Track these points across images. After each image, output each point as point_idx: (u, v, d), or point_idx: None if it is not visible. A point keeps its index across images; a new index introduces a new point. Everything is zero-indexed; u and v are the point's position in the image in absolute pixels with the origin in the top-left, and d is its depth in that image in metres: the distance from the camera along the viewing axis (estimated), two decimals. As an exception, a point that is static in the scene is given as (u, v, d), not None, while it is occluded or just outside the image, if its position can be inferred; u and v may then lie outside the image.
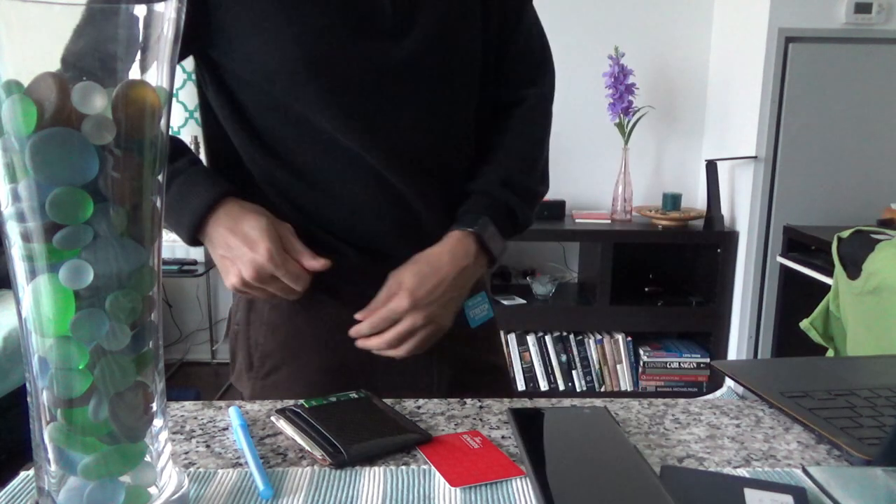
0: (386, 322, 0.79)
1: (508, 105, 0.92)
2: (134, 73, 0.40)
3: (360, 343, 0.80)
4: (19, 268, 0.40)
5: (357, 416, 0.61)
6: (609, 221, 2.74)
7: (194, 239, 0.79)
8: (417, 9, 0.79)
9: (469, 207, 0.85)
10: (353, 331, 0.80)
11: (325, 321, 0.85)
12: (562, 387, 2.73)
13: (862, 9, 2.37)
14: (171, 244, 2.68)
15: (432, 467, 0.54)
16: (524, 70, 0.92)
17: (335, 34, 0.76)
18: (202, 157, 0.90)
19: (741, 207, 2.62)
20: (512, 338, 2.71)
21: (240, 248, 0.76)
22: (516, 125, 0.91)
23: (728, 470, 0.54)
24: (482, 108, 0.90)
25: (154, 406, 0.45)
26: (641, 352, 2.73)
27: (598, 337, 2.71)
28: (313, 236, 0.81)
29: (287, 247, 0.78)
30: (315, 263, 0.79)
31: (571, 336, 2.70)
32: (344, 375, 0.84)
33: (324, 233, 0.83)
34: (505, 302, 2.66)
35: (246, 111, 0.81)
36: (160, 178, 0.43)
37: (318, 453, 0.55)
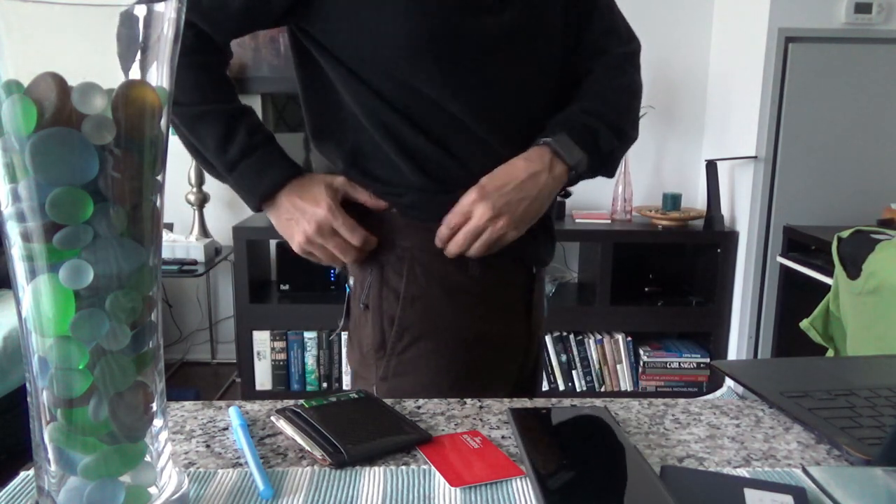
0: (460, 217, 0.85)
1: (592, 63, 0.96)
2: (134, 73, 0.40)
3: (447, 251, 0.87)
4: (19, 268, 0.40)
5: (357, 416, 0.61)
6: (609, 221, 2.74)
7: (259, 206, 0.89)
8: None
9: (547, 129, 0.90)
10: (437, 238, 0.87)
11: (458, 291, 0.89)
12: (562, 387, 2.73)
13: (862, 9, 2.37)
14: (171, 244, 2.68)
15: (432, 467, 0.54)
16: (607, 39, 0.97)
17: (444, 12, 0.82)
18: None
19: (741, 207, 2.62)
20: (512, 338, 2.70)
21: (304, 206, 0.86)
22: (598, 76, 0.95)
23: (728, 470, 0.54)
24: (569, 74, 0.96)
25: (154, 406, 0.45)
26: (641, 352, 2.73)
27: (598, 337, 2.71)
28: (433, 192, 0.87)
29: (349, 194, 0.88)
30: (378, 203, 0.88)
31: (571, 336, 2.70)
32: (481, 346, 0.90)
33: (437, 183, 0.87)
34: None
35: (361, 77, 0.86)
36: (160, 177, 0.43)
37: (318, 453, 0.55)
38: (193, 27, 0.82)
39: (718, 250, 2.65)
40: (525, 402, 0.66)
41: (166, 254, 2.66)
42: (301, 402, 0.63)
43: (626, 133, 0.95)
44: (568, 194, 0.97)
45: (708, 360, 2.72)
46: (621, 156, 0.96)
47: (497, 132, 0.87)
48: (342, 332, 1.01)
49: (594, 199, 2.94)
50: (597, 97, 0.93)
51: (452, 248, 0.86)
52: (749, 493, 0.48)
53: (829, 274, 2.00)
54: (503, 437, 0.59)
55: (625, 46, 0.98)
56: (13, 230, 0.39)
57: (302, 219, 0.87)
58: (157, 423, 0.45)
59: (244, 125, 0.86)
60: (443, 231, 0.86)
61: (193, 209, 2.82)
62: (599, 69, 0.96)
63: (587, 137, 0.89)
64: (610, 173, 0.96)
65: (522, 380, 1.00)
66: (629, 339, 2.70)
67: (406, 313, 0.88)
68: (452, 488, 0.51)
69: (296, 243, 0.89)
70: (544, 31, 0.89)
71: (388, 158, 0.87)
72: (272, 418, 0.62)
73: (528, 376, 1.02)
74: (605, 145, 0.91)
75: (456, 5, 0.82)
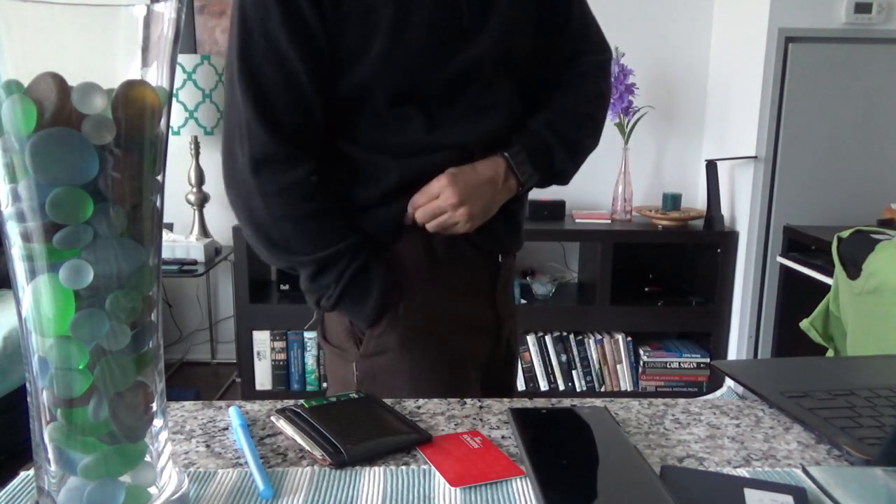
0: (426, 198, 0.90)
1: (564, 69, 1.01)
2: (134, 73, 0.40)
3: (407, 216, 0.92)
4: (19, 268, 0.40)
5: (357, 416, 0.61)
6: (609, 221, 2.74)
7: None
8: (486, 9, 0.88)
9: (509, 140, 0.94)
10: (406, 218, 0.91)
11: (427, 272, 0.94)
12: (562, 387, 2.73)
13: (862, 9, 2.37)
14: (171, 244, 2.68)
15: (432, 467, 0.54)
16: (580, 46, 1.01)
17: (426, 44, 0.85)
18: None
19: (741, 207, 2.62)
20: (512, 338, 2.70)
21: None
22: (568, 83, 1.00)
23: (728, 470, 0.54)
24: (539, 81, 1.00)
25: (154, 406, 0.45)
26: (641, 352, 2.73)
27: (598, 337, 2.71)
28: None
29: None
30: None
31: (571, 336, 2.70)
32: (450, 322, 0.95)
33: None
34: (505, 302, 2.65)
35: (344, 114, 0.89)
36: (160, 178, 0.43)
37: (318, 453, 0.55)
38: (288, 156, 0.85)
39: (718, 250, 2.65)
40: (525, 402, 0.66)
41: (166, 254, 2.66)
42: (301, 402, 0.63)
43: (584, 147, 1.01)
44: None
45: (708, 360, 2.72)
46: (575, 170, 1.02)
47: (464, 146, 0.91)
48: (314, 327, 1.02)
49: (594, 199, 2.94)
50: (563, 110, 0.98)
51: (414, 217, 0.91)
52: (749, 493, 0.48)
53: (829, 274, 2.00)
54: (503, 437, 0.59)
55: (597, 55, 1.02)
56: (13, 230, 0.39)
57: None
58: (157, 423, 0.45)
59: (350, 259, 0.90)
60: (409, 211, 0.91)
61: (193, 209, 2.82)
62: (570, 77, 1.00)
63: (543, 158, 0.95)
64: (562, 183, 1.02)
65: (496, 367, 1.04)
66: (629, 339, 2.70)
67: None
68: (452, 488, 0.51)
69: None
70: (514, 56, 0.94)
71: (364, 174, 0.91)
72: (272, 418, 0.62)
73: (501, 364, 1.05)
74: (558, 165, 0.97)
75: (435, 35, 0.85)
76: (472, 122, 0.91)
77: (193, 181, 2.79)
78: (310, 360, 2.72)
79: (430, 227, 0.91)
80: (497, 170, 0.92)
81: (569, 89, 0.99)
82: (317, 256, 0.88)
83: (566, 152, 0.97)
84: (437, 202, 0.89)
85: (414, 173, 0.90)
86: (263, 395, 2.71)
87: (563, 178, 1.01)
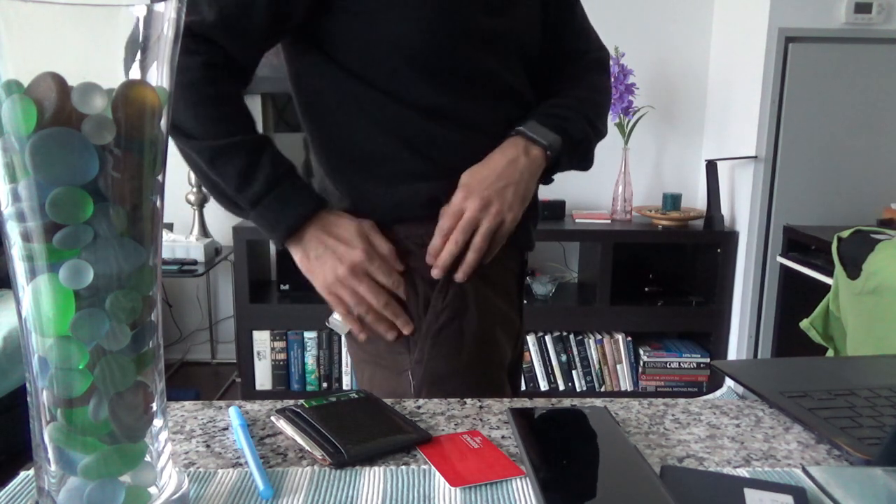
0: (452, 219, 0.85)
1: (568, 65, 1.01)
2: (134, 73, 0.40)
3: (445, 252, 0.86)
4: (19, 268, 0.40)
5: (357, 416, 0.61)
6: (609, 221, 2.74)
7: (285, 241, 0.85)
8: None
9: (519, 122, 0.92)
10: (429, 252, 0.86)
11: (476, 272, 0.90)
12: (562, 387, 2.73)
13: (862, 9, 2.37)
14: (171, 244, 2.68)
15: (432, 467, 0.54)
16: (582, 45, 1.02)
17: (457, 10, 0.83)
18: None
19: (741, 207, 2.62)
20: (512, 338, 2.70)
21: (336, 245, 0.83)
22: (575, 76, 1.00)
23: (728, 470, 0.54)
24: (544, 74, 1.00)
25: (154, 406, 0.45)
26: (641, 352, 2.73)
27: (598, 337, 2.71)
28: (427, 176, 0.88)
29: (373, 241, 0.85)
30: (398, 266, 0.86)
31: (571, 336, 2.70)
32: (492, 323, 0.92)
33: (443, 170, 0.88)
34: (505, 302, 2.66)
35: (365, 78, 0.86)
36: (160, 178, 0.43)
37: (318, 453, 0.55)
38: (209, 49, 0.79)
39: (718, 250, 2.65)
40: (525, 402, 0.66)
41: (166, 254, 2.66)
42: (301, 402, 0.63)
43: (596, 126, 0.98)
44: (550, 180, 1.00)
45: (708, 360, 2.72)
46: (593, 147, 0.99)
47: (480, 126, 0.90)
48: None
49: (594, 199, 2.94)
50: (570, 94, 0.97)
51: (451, 247, 0.86)
52: (749, 493, 0.48)
53: (829, 274, 2.00)
54: (503, 437, 0.59)
55: (597, 52, 1.03)
56: (13, 230, 0.39)
57: (332, 258, 0.83)
58: (157, 423, 0.45)
59: (267, 157, 0.83)
60: (436, 241, 0.86)
61: (193, 209, 2.82)
62: (575, 69, 1.01)
63: (557, 122, 0.92)
64: (585, 165, 1.00)
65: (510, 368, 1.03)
66: (629, 339, 2.70)
67: (439, 295, 0.89)
68: (452, 488, 0.51)
69: (322, 283, 0.85)
70: (530, 33, 0.94)
71: (397, 155, 0.88)
72: (272, 418, 0.62)
73: (514, 363, 1.04)
74: (575, 131, 0.94)
75: (465, 3, 0.84)
76: (493, 105, 0.90)
77: (193, 181, 2.79)
78: (310, 360, 2.72)
79: (476, 244, 0.86)
80: (515, 147, 0.88)
81: (577, 81, 0.99)
82: (213, 143, 0.81)
83: (581, 120, 0.94)
84: (466, 215, 0.85)
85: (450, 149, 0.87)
86: (263, 395, 2.71)
87: (585, 151, 0.97)
